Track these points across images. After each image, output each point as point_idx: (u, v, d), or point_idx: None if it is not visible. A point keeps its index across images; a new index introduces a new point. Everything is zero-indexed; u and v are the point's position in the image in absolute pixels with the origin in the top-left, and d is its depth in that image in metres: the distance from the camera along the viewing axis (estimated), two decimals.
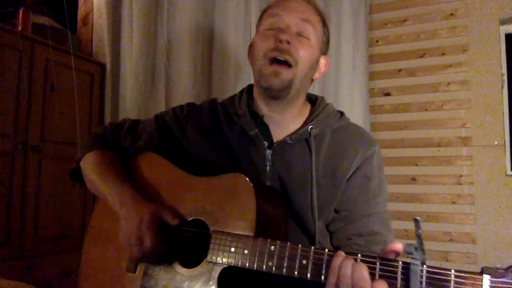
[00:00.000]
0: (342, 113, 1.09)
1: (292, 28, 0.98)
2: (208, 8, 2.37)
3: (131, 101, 2.09)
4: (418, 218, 0.62)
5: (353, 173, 1.00)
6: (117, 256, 0.99)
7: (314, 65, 1.03)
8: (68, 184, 1.95)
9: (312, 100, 1.11)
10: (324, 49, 1.07)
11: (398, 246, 0.67)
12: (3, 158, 1.68)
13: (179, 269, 0.89)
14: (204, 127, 1.07)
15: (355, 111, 2.37)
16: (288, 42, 0.95)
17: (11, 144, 1.71)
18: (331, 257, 0.70)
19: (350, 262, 0.67)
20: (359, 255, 0.69)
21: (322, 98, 1.11)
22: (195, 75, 2.27)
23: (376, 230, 0.96)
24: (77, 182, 1.15)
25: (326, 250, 0.72)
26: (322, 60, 1.07)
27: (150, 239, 0.86)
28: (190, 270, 0.88)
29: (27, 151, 1.76)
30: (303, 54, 0.97)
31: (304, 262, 0.72)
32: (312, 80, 1.08)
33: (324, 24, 1.06)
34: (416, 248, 0.61)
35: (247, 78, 2.26)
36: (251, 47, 1.09)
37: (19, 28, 1.81)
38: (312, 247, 0.73)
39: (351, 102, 2.36)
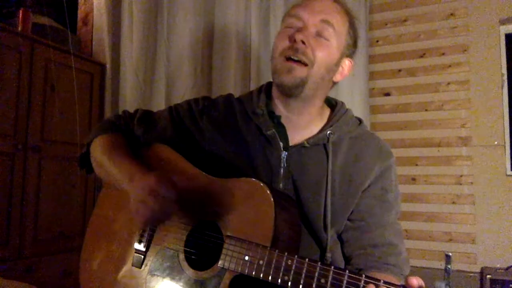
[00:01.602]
0: (360, 121, 1.08)
1: (310, 28, 0.96)
2: (208, 8, 2.37)
3: (131, 101, 2.09)
4: (450, 254, 0.61)
5: (371, 184, 0.99)
6: (121, 249, 0.96)
7: (333, 67, 1.00)
8: (68, 184, 1.96)
9: (332, 104, 1.09)
10: (349, 51, 1.04)
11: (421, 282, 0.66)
12: (3, 158, 1.68)
13: (187, 269, 0.87)
14: (220, 123, 1.05)
15: (355, 111, 2.34)
16: (303, 43, 0.93)
17: (11, 144, 1.71)
18: (352, 280, 0.69)
19: None
20: (382, 281, 0.68)
21: (342, 103, 1.09)
22: (195, 75, 2.28)
23: (391, 241, 0.95)
24: (84, 168, 1.12)
25: (347, 271, 0.71)
26: (346, 62, 1.04)
27: (166, 188, 0.83)
28: (200, 272, 0.85)
29: (27, 151, 1.76)
30: (320, 55, 0.95)
31: (323, 281, 0.71)
32: (334, 83, 1.06)
33: (351, 25, 1.02)
34: (447, 285, 0.61)
35: (247, 77, 2.26)
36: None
37: (19, 28, 1.81)
38: (332, 267, 0.72)
39: (351, 102, 2.35)
